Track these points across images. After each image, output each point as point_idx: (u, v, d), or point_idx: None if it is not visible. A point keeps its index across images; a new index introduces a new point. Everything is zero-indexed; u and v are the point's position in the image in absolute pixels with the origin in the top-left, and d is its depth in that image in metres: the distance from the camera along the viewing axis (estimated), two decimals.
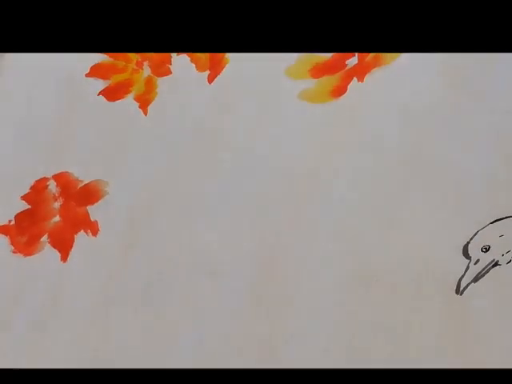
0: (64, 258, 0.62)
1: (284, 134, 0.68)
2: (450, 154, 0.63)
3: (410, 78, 0.70)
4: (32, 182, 0.67)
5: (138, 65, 0.72)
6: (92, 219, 0.64)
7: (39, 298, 0.60)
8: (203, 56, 0.71)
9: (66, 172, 0.67)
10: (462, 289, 0.55)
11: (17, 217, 0.65)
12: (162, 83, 0.71)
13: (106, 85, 0.72)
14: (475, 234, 0.58)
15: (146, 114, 0.70)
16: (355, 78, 0.72)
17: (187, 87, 0.71)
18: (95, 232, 0.63)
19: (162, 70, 0.72)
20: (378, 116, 0.68)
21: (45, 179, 0.67)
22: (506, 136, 0.63)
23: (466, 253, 0.57)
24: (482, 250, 0.57)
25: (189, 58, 0.71)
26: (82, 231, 0.63)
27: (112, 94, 0.72)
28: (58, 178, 0.67)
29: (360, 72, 0.72)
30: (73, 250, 0.62)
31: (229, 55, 0.70)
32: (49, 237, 0.63)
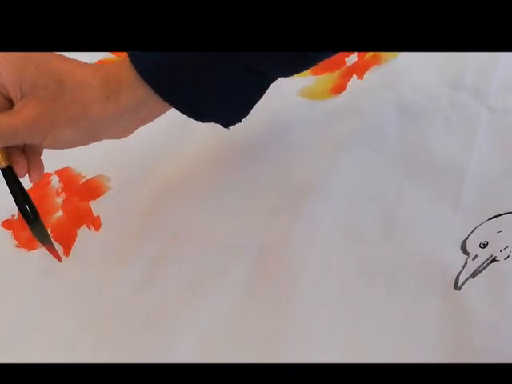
0: (66, 252, 0.62)
1: (284, 131, 0.68)
2: (448, 152, 0.63)
3: (409, 77, 0.70)
4: None
5: None
6: (94, 214, 0.64)
7: (42, 292, 0.60)
8: None
9: (69, 167, 0.68)
10: (460, 284, 0.56)
11: None
12: None
13: None
14: (473, 230, 0.58)
15: None
16: (355, 76, 0.72)
17: None
18: (98, 227, 0.63)
19: None
20: (377, 114, 0.68)
21: (48, 174, 0.67)
22: (505, 135, 0.64)
23: (464, 248, 0.58)
24: (480, 246, 0.57)
25: None
26: (85, 226, 0.64)
27: None
28: (60, 173, 0.67)
29: (359, 70, 0.73)
30: (75, 244, 0.63)
31: None
32: (52, 231, 0.63)
